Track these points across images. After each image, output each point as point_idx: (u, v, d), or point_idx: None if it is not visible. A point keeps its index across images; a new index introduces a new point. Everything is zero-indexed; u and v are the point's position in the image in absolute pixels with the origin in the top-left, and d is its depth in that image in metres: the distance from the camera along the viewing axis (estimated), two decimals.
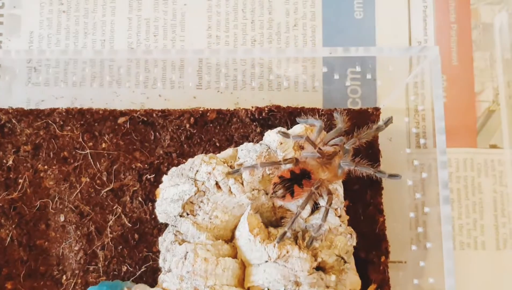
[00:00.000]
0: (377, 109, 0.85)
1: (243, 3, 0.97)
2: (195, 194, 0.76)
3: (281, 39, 0.97)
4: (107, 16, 0.96)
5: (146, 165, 0.82)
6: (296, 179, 0.74)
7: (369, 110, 0.84)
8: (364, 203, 0.83)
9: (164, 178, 0.79)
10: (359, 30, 0.97)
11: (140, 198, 0.81)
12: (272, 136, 0.77)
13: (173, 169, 0.78)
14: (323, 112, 0.81)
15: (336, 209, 0.77)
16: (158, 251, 0.79)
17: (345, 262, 0.78)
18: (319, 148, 0.75)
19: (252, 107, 0.84)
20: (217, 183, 0.76)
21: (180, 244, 0.76)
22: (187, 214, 0.76)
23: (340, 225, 0.77)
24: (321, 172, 0.75)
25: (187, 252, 0.75)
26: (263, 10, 0.97)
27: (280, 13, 0.97)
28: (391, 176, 0.76)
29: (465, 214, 0.91)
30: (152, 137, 0.84)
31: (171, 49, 0.92)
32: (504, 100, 0.94)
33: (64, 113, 0.83)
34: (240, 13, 0.97)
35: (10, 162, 0.82)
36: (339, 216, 0.78)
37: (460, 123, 0.94)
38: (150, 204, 0.81)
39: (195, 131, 0.84)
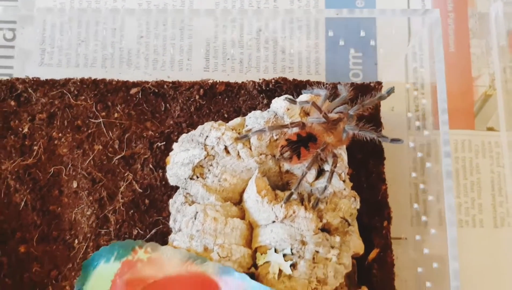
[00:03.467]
0: (379, 83, 0.88)
1: None
2: (205, 158, 0.79)
3: (285, 29, 1.00)
4: (118, 3, 0.98)
5: (156, 134, 0.84)
6: (302, 142, 0.76)
7: (371, 84, 0.87)
8: (367, 172, 0.86)
9: (175, 145, 0.81)
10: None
11: (151, 165, 0.83)
12: (279, 103, 0.80)
13: (184, 135, 0.81)
14: (327, 85, 0.84)
15: (340, 174, 0.80)
16: (168, 216, 0.82)
17: (349, 224, 0.80)
18: (325, 113, 0.77)
19: (260, 79, 0.87)
20: (226, 148, 0.79)
21: (190, 205, 0.78)
22: (197, 177, 0.79)
23: (344, 189, 0.80)
24: (326, 136, 0.77)
25: (197, 212, 0.77)
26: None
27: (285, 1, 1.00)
28: (393, 140, 0.79)
29: (463, 193, 0.93)
30: (163, 108, 0.87)
31: (184, 9, 0.94)
32: (500, 85, 0.98)
33: (78, 83, 0.86)
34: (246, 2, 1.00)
35: (26, 129, 0.85)
36: (344, 181, 0.80)
37: (458, 106, 0.98)
38: (160, 171, 0.84)
39: (204, 102, 0.87)
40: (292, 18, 0.96)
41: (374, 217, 0.84)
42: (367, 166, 0.86)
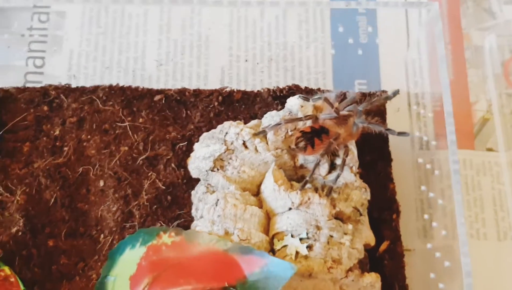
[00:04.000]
0: (384, 92, 0.95)
1: (260, 28, 1.10)
2: (225, 152, 0.85)
3: (294, 58, 1.08)
4: (139, 37, 1.07)
5: (178, 137, 0.91)
6: (316, 133, 0.83)
7: (377, 93, 0.95)
8: (376, 172, 0.91)
9: (196, 144, 0.88)
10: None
11: (173, 165, 0.89)
12: (293, 101, 0.87)
13: (204, 134, 0.88)
14: (337, 92, 0.91)
15: (351, 167, 0.86)
16: (189, 211, 0.87)
17: (360, 214, 0.85)
18: (336, 108, 0.84)
19: (274, 87, 0.95)
20: (244, 143, 0.85)
21: (211, 194, 0.84)
22: (217, 169, 0.85)
23: (356, 181, 0.86)
24: (338, 129, 0.84)
25: (217, 200, 0.82)
26: (278, 33, 1.10)
27: (293, 35, 1.09)
28: (400, 133, 0.85)
29: (467, 208, 0.99)
30: (184, 115, 0.93)
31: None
32: (497, 109, 1.05)
33: (107, 90, 0.93)
34: (258, 36, 1.09)
35: (57, 132, 0.91)
36: (355, 174, 0.86)
37: (459, 129, 1.03)
38: (182, 170, 0.89)
39: (222, 108, 0.93)
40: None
41: (383, 211, 0.89)
42: (376, 167, 0.92)
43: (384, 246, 0.88)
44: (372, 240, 0.85)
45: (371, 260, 0.86)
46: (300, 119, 0.83)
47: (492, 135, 1.04)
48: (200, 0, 0.88)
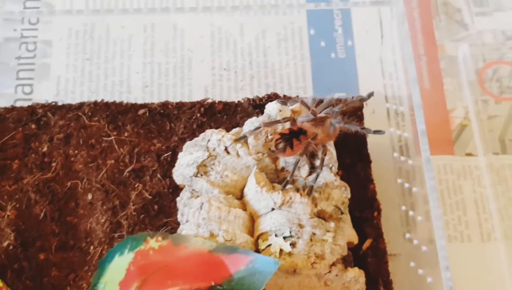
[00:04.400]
0: (359, 96, 0.98)
1: (241, 48, 1.14)
2: (207, 158, 0.88)
3: (275, 75, 1.12)
4: (124, 61, 1.11)
5: (163, 148, 0.93)
6: (294, 135, 0.86)
7: (353, 97, 0.98)
8: (355, 174, 0.94)
9: (179, 154, 0.91)
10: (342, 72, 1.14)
11: (159, 175, 0.92)
12: (271, 106, 0.91)
13: (187, 142, 0.91)
14: (315, 98, 0.94)
15: (331, 167, 0.89)
16: (176, 219, 0.89)
17: (342, 212, 0.88)
18: (313, 110, 0.88)
19: (254, 96, 0.98)
20: (226, 148, 0.88)
21: (195, 198, 0.86)
22: (201, 175, 0.88)
23: (335, 180, 0.88)
24: (315, 130, 0.87)
25: (202, 203, 0.85)
26: (259, 52, 1.14)
27: (273, 54, 1.13)
28: (376, 131, 0.88)
29: (450, 211, 1.01)
30: (168, 127, 0.96)
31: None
32: (474, 115, 1.09)
33: (92, 106, 0.96)
34: (239, 56, 1.13)
35: (45, 149, 0.94)
36: (334, 174, 0.89)
37: (437, 135, 1.08)
38: (167, 180, 0.92)
39: (205, 119, 0.96)
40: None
41: (364, 210, 0.92)
42: (355, 168, 0.95)
43: (367, 243, 0.90)
44: (355, 238, 0.88)
45: (355, 259, 0.88)
46: (278, 121, 0.87)
47: (470, 140, 1.07)
48: (178, 8, 0.91)
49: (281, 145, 0.85)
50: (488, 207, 1.02)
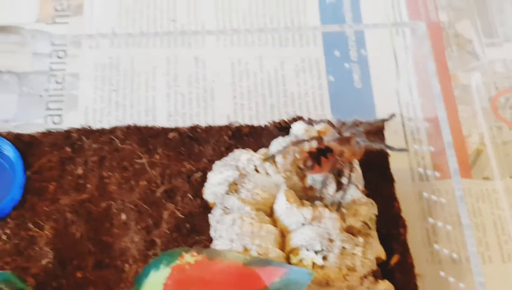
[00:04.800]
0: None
1: (260, 79, 1.18)
2: (238, 177, 0.91)
3: (294, 104, 1.17)
4: (149, 92, 1.16)
5: (193, 169, 0.97)
6: (322, 153, 0.89)
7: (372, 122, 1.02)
8: (380, 193, 0.97)
9: (209, 173, 0.94)
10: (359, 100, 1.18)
11: (189, 195, 0.95)
12: (298, 126, 0.94)
13: (217, 162, 0.94)
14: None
15: (357, 185, 0.92)
16: (208, 236, 0.92)
17: (369, 228, 0.91)
18: (339, 129, 0.91)
19: (279, 119, 1.02)
20: (255, 168, 0.92)
21: (228, 215, 0.89)
22: (232, 193, 0.91)
23: (362, 197, 0.92)
24: (341, 148, 0.91)
25: (234, 219, 0.88)
26: (278, 82, 1.18)
27: (292, 84, 1.18)
28: (400, 149, 0.92)
29: None
30: (197, 150, 1.00)
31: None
32: (489, 141, 1.12)
33: (124, 130, 1.00)
34: (259, 86, 1.18)
35: (80, 171, 0.97)
36: (361, 191, 0.92)
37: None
38: (198, 199, 0.95)
39: (232, 142, 1.00)
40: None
41: (390, 227, 0.94)
42: (380, 188, 0.98)
43: (395, 259, 0.92)
44: (382, 254, 0.90)
45: (383, 275, 0.90)
46: (306, 140, 0.90)
47: (487, 164, 1.10)
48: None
49: (309, 163, 0.88)
50: (507, 229, 1.04)
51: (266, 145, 0.99)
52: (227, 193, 0.90)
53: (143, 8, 1.23)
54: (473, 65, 1.19)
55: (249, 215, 0.87)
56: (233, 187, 0.90)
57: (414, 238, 1.00)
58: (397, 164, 1.04)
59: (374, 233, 0.89)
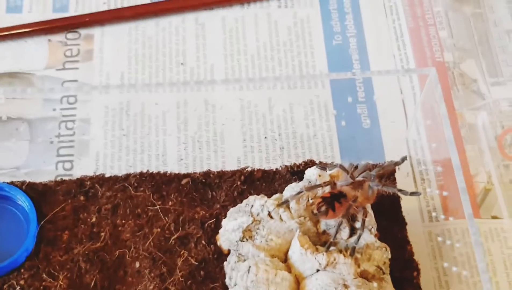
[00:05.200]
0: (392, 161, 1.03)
1: (270, 121, 1.20)
2: (252, 223, 0.92)
3: (304, 146, 1.18)
4: (159, 136, 1.17)
5: (206, 215, 0.97)
6: (335, 198, 0.91)
7: (386, 162, 1.03)
8: (392, 236, 0.97)
9: (224, 220, 0.95)
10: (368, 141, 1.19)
11: (203, 242, 0.95)
12: (311, 171, 0.95)
13: (231, 209, 0.95)
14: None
15: (370, 229, 0.93)
16: (222, 284, 0.92)
17: (383, 272, 0.91)
18: (351, 173, 0.93)
19: (291, 163, 1.03)
20: (269, 213, 0.92)
21: (242, 262, 0.90)
22: (247, 239, 0.91)
23: (376, 241, 0.92)
24: (355, 193, 0.92)
25: (249, 267, 0.88)
26: (287, 124, 1.20)
27: (301, 125, 1.19)
28: (412, 193, 0.93)
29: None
30: (210, 196, 1.01)
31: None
32: (496, 179, 1.14)
33: (138, 176, 1.00)
34: (269, 128, 1.19)
35: (94, 219, 0.98)
36: (374, 235, 0.93)
37: None
38: (212, 246, 0.95)
39: (245, 187, 1.01)
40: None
41: (403, 271, 0.95)
42: (392, 231, 0.98)
43: None
44: None
45: None
46: (319, 186, 0.91)
47: (495, 203, 1.11)
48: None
49: (323, 208, 0.88)
50: None
51: (279, 189, 0.99)
52: (241, 240, 0.90)
53: (152, 52, 1.24)
54: (479, 104, 1.20)
55: (264, 262, 0.87)
56: (248, 234, 0.90)
57: (425, 278, 1.00)
58: (406, 205, 1.05)
59: (387, 278, 0.90)
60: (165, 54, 1.25)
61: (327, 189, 0.91)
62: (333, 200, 0.89)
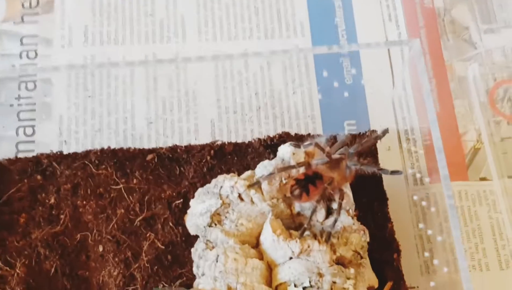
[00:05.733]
0: (373, 132, 0.96)
1: (245, 78, 1.11)
2: (221, 206, 0.85)
3: (282, 105, 1.09)
4: (127, 98, 1.08)
5: (174, 195, 0.91)
6: (310, 180, 0.83)
7: (366, 133, 0.95)
8: (373, 213, 0.92)
9: (192, 201, 0.88)
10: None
11: (170, 224, 0.90)
12: (284, 149, 0.88)
13: (199, 190, 0.88)
14: (327, 137, 0.92)
15: (348, 210, 0.86)
16: (190, 269, 0.87)
17: (361, 257, 0.85)
18: (327, 152, 0.85)
19: (264, 136, 0.95)
20: (239, 195, 0.86)
21: (211, 250, 0.84)
22: (215, 224, 0.85)
23: (353, 224, 0.86)
24: (331, 174, 0.85)
25: (218, 255, 0.82)
26: (265, 82, 1.11)
27: (279, 83, 1.10)
28: (393, 172, 0.86)
29: (467, 239, 0.99)
30: (177, 172, 0.94)
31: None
32: (486, 138, 1.06)
33: (98, 153, 0.93)
34: (244, 87, 1.10)
35: (52, 200, 0.92)
36: (352, 217, 0.86)
37: (450, 161, 1.04)
38: (180, 228, 0.89)
39: (215, 162, 0.94)
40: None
41: (383, 252, 0.89)
42: (372, 207, 0.92)
43: (387, 287, 0.88)
44: (375, 282, 0.86)
45: None
46: (293, 167, 0.84)
47: (484, 164, 1.04)
48: (184, 58, 0.88)
49: (296, 192, 0.82)
50: (505, 233, 1.00)
51: (251, 164, 0.94)
52: (209, 225, 0.84)
53: (118, 3, 1.14)
54: (470, 55, 1.12)
55: (233, 250, 0.82)
56: (216, 218, 0.84)
57: (408, 246, 0.96)
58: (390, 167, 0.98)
59: (366, 262, 0.85)
60: (132, 4, 1.14)
61: (302, 169, 0.83)
62: (307, 183, 0.82)
